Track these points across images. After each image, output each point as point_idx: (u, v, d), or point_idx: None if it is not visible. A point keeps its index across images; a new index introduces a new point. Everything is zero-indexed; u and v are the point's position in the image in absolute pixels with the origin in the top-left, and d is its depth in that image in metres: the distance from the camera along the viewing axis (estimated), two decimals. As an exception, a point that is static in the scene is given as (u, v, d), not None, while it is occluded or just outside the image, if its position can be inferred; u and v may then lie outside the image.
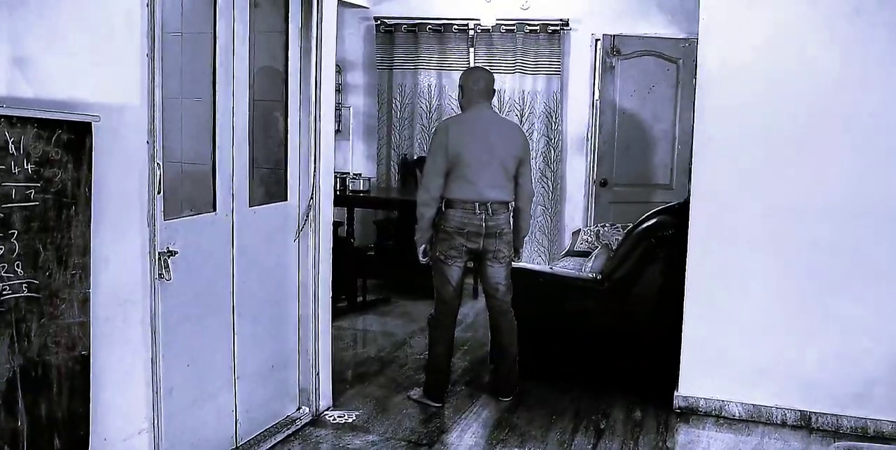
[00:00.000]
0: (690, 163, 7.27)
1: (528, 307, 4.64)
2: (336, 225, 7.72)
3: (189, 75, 3.87)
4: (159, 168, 3.06)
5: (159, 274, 3.12)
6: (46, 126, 2.36)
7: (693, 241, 4.34)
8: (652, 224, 4.55)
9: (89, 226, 2.53)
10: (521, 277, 4.65)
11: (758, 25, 4.20)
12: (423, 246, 4.48)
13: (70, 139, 2.44)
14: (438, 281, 4.49)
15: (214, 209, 3.55)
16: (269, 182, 4.17)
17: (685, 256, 4.37)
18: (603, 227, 6.42)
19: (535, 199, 4.98)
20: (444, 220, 4.39)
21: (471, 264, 4.72)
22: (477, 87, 4.48)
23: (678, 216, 4.48)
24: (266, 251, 3.94)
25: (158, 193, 3.08)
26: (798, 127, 4.19)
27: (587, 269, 5.06)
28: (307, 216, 4.13)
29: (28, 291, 2.29)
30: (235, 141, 3.65)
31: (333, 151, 4.33)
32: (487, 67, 7.46)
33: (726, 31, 4.24)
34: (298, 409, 4.30)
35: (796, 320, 4.32)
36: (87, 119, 2.52)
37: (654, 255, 4.51)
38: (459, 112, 4.74)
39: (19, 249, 2.26)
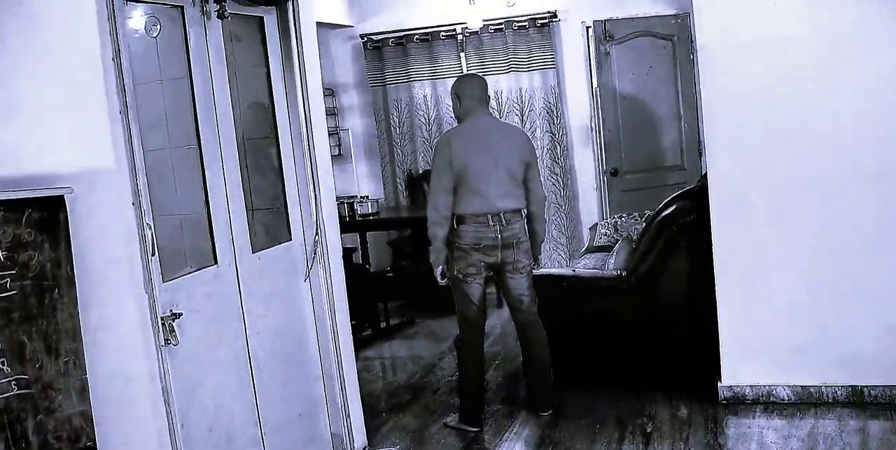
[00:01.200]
0: (699, 141, 7.18)
1: (555, 314, 4.47)
2: (349, 251, 7.61)
3: (175, 122, 3.73)
4: (150, 228, 2.92)
5: (165, 340, 2.96)
6: (14, 207, 2.21)
7: (716, 224, 4.16)
8: (671, 212, 4.37)
9: (76, 307, 2.39)
10: (544, 284, 4.48)
11: (765, 17, 4.02)
12: (441, 267, 4.31)
13: (42, 217, 2.29)
14: (460, 301, 4.33)
15: (216, 261, 3.40)
16: (270, 223, 4.01)
17: (710, 242, 4.18)
18: (620, 218, 6.24)
19: (547, 198, 4.80)
20: (458, 237, 4.24)
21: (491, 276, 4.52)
22: (471, 94, 4.33)
23: (697, 200, 4.30)
24: (277, 296, 3.79)
25: (153, 255, 2.93)
26: (807, 93, 4.00)
27: (610, 265, 4.88)
28: (315, 253, 3.97)
29: (18, 389, 2.14)
30: (228, 185, 3.49)
31: (333, 180, 4.17)
32: (480, 70, 7.35)
33: (725, 7, 4.05)
34: (333, 454, 4.15)
35: (832, 294, 4.13)
36: (58, 192, 2.38)
37: (677, 244, 4.34)
38: (456, 122, 4.55)
39: (2, 344, 2.11)
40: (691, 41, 6.87)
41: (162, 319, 2.95)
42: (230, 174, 3.51)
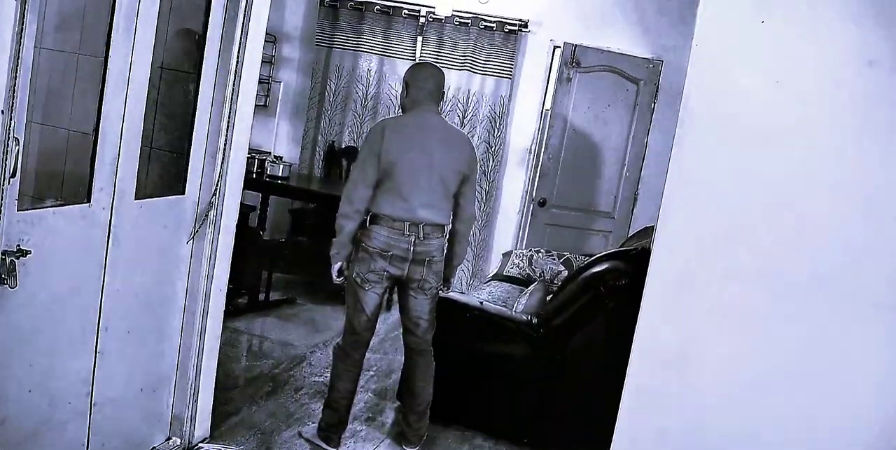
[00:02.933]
0: (636, 194, 6.95)
1: (449, 344, 4.04)
2: (247, 210, 7.06)
3: (92, 27, 3.17)
4: (16, 144, 2.37)
5: (1, 279, 2.43)
6: None
7: (648, 300, 3.76)
8: (603, 269, 3.97)
9: None
10: (446, 310, 4.03)
11: (758, 67, 3.65)
12: (340, 264, 3.82)
13: None
14: (351, 307, 3.85)
15: (89, 200, 2.84)
16: (165, 170, 3.47)
17: (636, 314, 3.82)
18: (537, 252, 5.88)
19: (476, 219, 4.33)
20: (367, 237, 3.77)
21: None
22: (425, 86, 3.86)
23: (634, 264, 3.93)
24: (150, 254, 3.25)
25: (12, 176, 2.38)
26: (789, 189, 3.64)
27: (520, 306, 4.47)
28: (207, 214, 3.45)
29: None
30: (128, 112, 2.94)
31: (249, 139, 3.64)
32: (434, 60, 6.89)
33: (722, 68, 3.67)
34: (168, 440, 3.63)
35: (752, 407, 3.79)
36: None
37: (600, 306, 3.92)
38: (399, 112, 4.08)
39: None
40: (657, 91, 6.65)
41: (3, 253, 2.42)
42: (133, 100, 2.96)
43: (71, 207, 2.80)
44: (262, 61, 7.45)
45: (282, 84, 7.71)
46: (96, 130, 2.86)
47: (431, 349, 3.91)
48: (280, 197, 7.06)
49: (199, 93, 3.36)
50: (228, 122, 3.43)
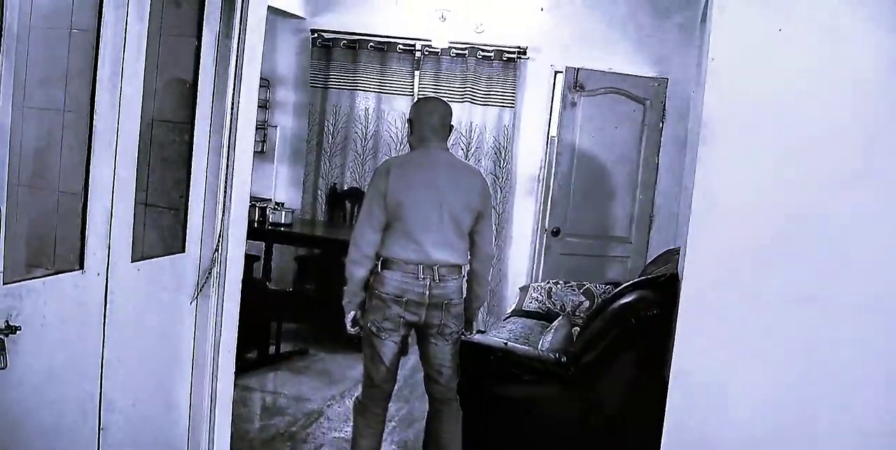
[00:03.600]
0: (651, 216, 6.74)
1: (474, 390, 3.80)
2: (251, 260, 6.86)
3: (76, 81, 2.99)
4: (-2, 211, 2.18)
5: (-12, 361, 2.23)
6: None
7: (683, 330, 3.52)
8: (632, 300, 3.75)
9: None
10: (467, 354, 3.80)
11: (779, 78, 3.45)
12: (353, 313, 3.62)
13: None
14: (368, 358, 3.63)
15: (82, 266, 2.65)
16: (162, 228, 3.27)
17: (669, 345, 3.60)
18: (556, 284, 5.65)
19: (494, 257, 4.09)
20: (379, 283, 3.55)
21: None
22: (429, 121, 3.67)
23: (663, 292, 3.72)
24: (151, 319, 3.04)
25: (-7, 247, 2.19)
26: (821, 205, 3.43)
27: (545, 344, 4.24)
28: (210, 272, 3.25)
29: None
30: (119, 168, 2.76)
31: (250, 188, 3.45)
32: (433, 94, 6.73)
33: (741, 80, 3.47)
34: (183, 516, 3.40)
35: (802, 434, 3.54)
36: None
37: (632, 339, 3.69)
38: (407, 150, 3.89)
39: None
40: (664, 109, 6.47)
41: (-12, 334, 2.22)
42: (123, 155, 2.78)
43: (63, 275, 2.60)
44: (258, 106, 7.37)
45: (278, 128, 7.56)
46: (85, 189, 2.67)
47: (457, 398, 3.68)
48: (284, 245, 6.86)
49: (194, 144, 3.17)
50: (227, 172, 3.24)
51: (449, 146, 6.72)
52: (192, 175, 3.18)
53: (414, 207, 3.52)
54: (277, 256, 6.97)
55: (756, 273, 3.48)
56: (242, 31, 3.21)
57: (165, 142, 3.27)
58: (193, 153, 3.17)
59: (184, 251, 3.18)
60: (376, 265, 3.58)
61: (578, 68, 6.30)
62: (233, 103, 3.22)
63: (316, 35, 7.17)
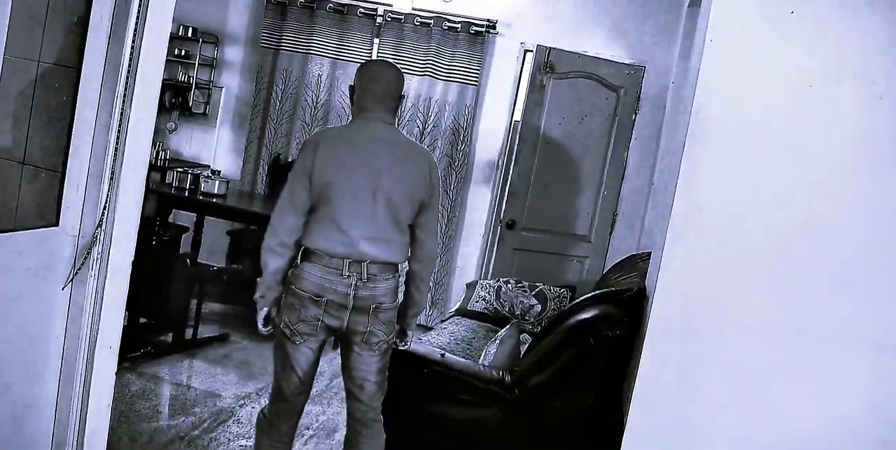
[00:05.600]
0: (615, 215, 6.26)
1: (401, 409, 3.27)
2: (179, 232, 6.26)
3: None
4: None
5: None
6: None
7: (648, 357, 3.04)
8: (592, 317, 3.24)
9: None
10: (398, 364, 3.26)
11: (787, 65, 2.94)
12: (266, 310, 3.06)
13: None
14: (279, 364, 3.07)
15: None
16: (36, 193, 2.70)
17: (631, 370, 3.12)
18: (507, 283, 5.15)
19: (439, 257, 3.51)
20: (297, 278, 2.99)
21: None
22: (373, 88, 3.08)
23: (628, 309, 3.23)
24: (6, 308, 2.47)
25: None
26: (822, 215, 2.94)
27: (489, 356, 3.71)
28: (89, 252, 2.67)
29: None
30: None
31: (148, 154, 2.87)
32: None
33: (742, 67, 2.96)
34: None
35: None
36: None
37: (589, 361, 3.19)
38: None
39: None
40: (638, 99, 5.98)
41: None
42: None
43: None
44: (203, 64, 6.74)
45: (223, 90, 6.96)
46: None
47: (381, 418, 3.11)
48: (216, 218, 6.26)
49: (79, 94, 2.59)
50: (119, 132, 2.65)
51: (402, 123, 6.31)
52: (73, 131, 2.59)
53: (344, 190, 2.97)
54: (210, 228, 6.37)
55: (738, 295, 3.00)
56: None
57: (50, 87, 2.69)
58: (77, 104, 2.58)
59: (56, 224, 2.60)
60: (296, 256, 3.03)
61: (550, 48, 5.79)
62: (133, 47, 2.63)
63: (272, -9, 6.57)
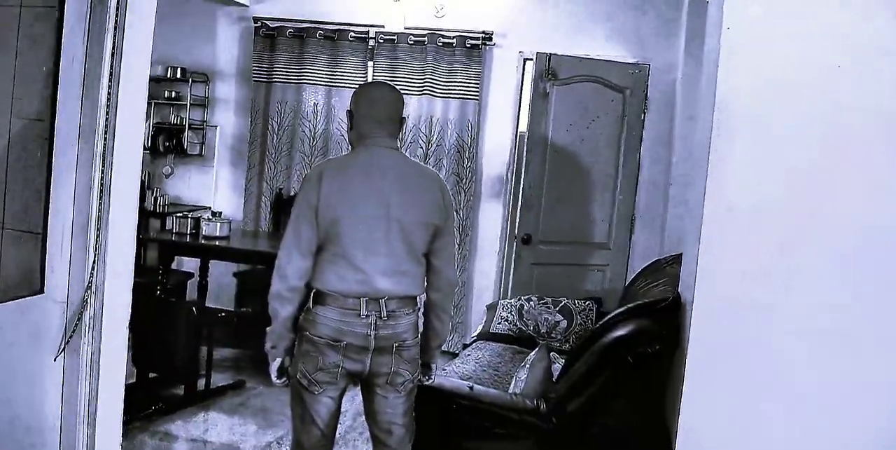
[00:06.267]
0: (633, 219, 6.05)
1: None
2: (185, 278, 6.08)
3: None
4: None
5: None
6: None
7: (692, 371, 2.82)
8: (628, 333, 3.02)
9: None
10: (426, 403, 3.05)
11: (815, 49, 2.72)
12: (279, 360, 2.86)
13: None
14: (298, 417, 2.87)
15: None
16: (15, 259, 2.50)
17: (672, 385, 2.89)
18: (528, 300, 4.93)
19: (459, 284, 3.27)
20: (311, 323, 2.79)
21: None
22: (373, 112, 2.90)
23: (665, 321, 3.01)
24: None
25: None
26: (863, 204, 2.71)
27: (519, 384, 3.48)
28: (79, 318, 2.48)
29: None
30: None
31: (136, 210, 2.68)
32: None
33: (766, 53, 2.74)
34: None
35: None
36: None
37: (629, 381, 2.97)
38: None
39: None
40: (646, 98, 5.77)
41: None
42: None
43: None
44: (195, 104, 6.57)
45: (218, 129, 6.78)
46: None
47: (412, 465, 2.92)
48: (221, 261, 6.07)
49: (54, 148, 2.40)
50: (102, 187, 2.46)
51: (404, 145, 6.12)
52: (51, 191, 2.40)
53: (354, 223, 2.77)
54: (215, 271, 6.18)
55: (785, 298, 2.77)
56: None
57: (24, 144, 2.51)
58: (54, 160, 2.40)
59: (41, 291, 2.41)
60: (307, 301, 2.82)
61: (550, 54, 5.58)
62: (109, 95, 2.44)
63: (259, 24, 6.40)
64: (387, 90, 3.02)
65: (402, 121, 2.99)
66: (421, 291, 2.91)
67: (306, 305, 2.84)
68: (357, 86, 6.02)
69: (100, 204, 2.45)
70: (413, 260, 2.86)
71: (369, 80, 6.25)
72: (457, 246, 5.99)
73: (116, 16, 2.41)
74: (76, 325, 2.47)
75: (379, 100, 2.94)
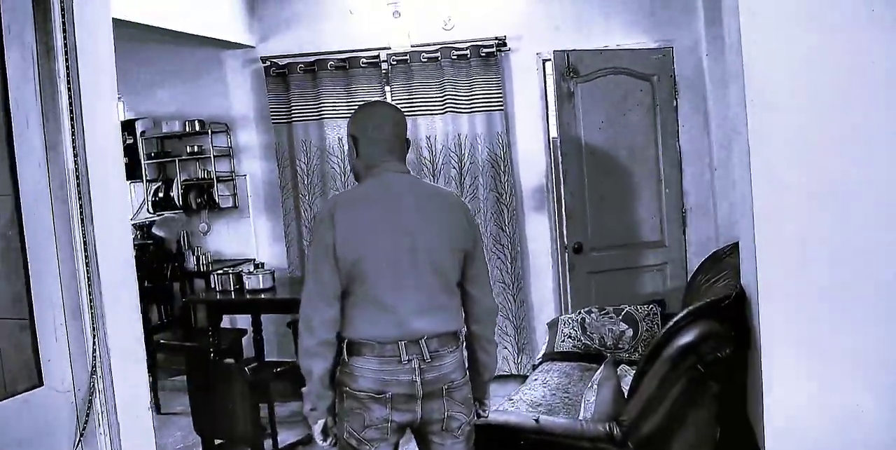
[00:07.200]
0: (683, 210, 5.73)
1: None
2: (239, 335, 5.89)
3: None
4: None
5: None
6: None
7: (770, 369, 2.52)
8: (694, 339, 2.73)
9: None
10: (491, 441, 2.79)
11: (848, 14, 2.43)
12: (321, 422, 2.62)
13: None
14: (350, 481, 2.63)
15: None
16: (16, 351, 2.31)
17: (751, 386, 2.59)
18: (589, 313, 4.63)
19: (498, 310, 3.01)
20: (349, 377, 2.56)
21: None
22: (375, 137, 2.68)
23: (730, 320, 2.71)
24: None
25: None
26: None
27: (589, 408, 3.20)
28: (89, 407, 2.27)
29: None
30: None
31: (135, 277, 2.47)
32: (409, 109, 5.74)
33: (797, 24, 2.45)
34: None
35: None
36: None
37: (703, 390, 2.68)
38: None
39: None
40: (675, 83, 5.46)
41: None
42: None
43: None
44: (219, 155, 6.41)
45: (247, 177, 6.62)
46: None
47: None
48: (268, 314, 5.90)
49: (23, 223, 2.21)
50: (87, 259, 2.26)
51: (436, 167, 5.90)
52: (29, 271, 2.21)
53: (379, 260, 2.53)
54: (269, 324, 6.00)
55: (855, 279, 2.46)
56: (70, 42, 2.24)
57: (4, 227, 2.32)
58: (26, 238, 2.20)
59: (41, 383, 2.21)
60: (340, 351, 2.59)
61: (568, 51, 5.31)
62: (74, 157, 2.24)
63: (269, 63, 6.25)
64: (390, 109, 2.82)
65: (407, 142, 2.77)
66: (461, 325, 2.66)
67: (341, 357, 2.60)
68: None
69: (88, 281, 2.25)
70: (447, 292, 2.62)
71: (389, 105, 6.04)
72: (509, 265, 5.75)
73: (67, 70, 2.22)
74: (87, 414, 2.27)
75: (387, 121, 2.72)
